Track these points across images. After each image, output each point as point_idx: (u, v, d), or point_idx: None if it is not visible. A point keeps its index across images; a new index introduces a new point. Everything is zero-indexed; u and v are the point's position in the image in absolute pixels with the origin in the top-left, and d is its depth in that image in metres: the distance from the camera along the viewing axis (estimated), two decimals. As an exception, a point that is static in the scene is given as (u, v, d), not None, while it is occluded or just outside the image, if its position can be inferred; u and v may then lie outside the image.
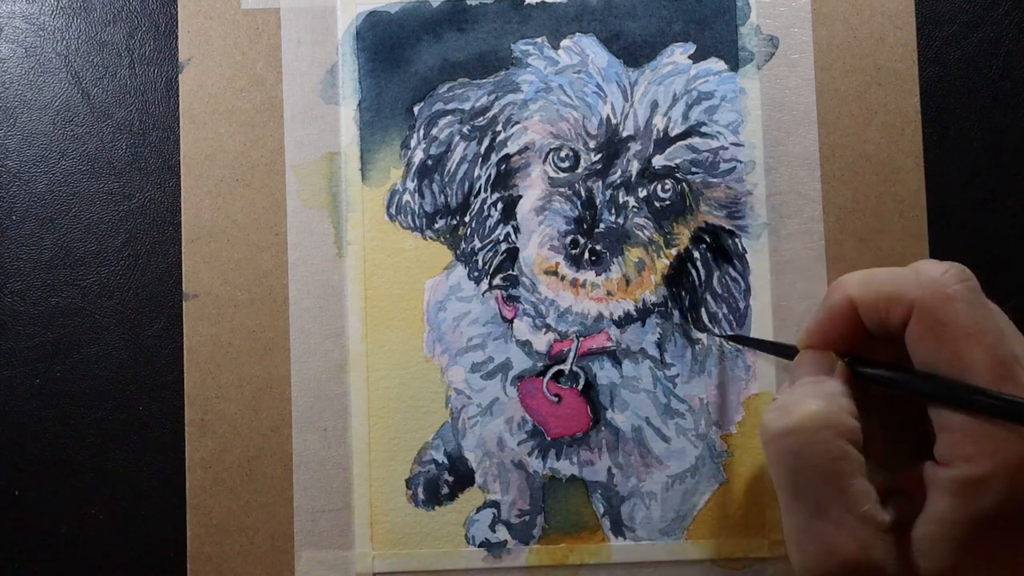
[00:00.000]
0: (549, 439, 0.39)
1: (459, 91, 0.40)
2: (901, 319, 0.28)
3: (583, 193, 0.39)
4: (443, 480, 0.39)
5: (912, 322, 0.28)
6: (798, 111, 0.40)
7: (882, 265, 0.39)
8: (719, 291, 0.39)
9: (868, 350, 0.31)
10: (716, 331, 0.39)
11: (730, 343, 0.39)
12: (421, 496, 0.39)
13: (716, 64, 0.40)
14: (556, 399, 0.39)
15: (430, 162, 0.40)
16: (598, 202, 0.39)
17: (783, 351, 0.35)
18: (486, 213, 0.40)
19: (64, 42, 0.41)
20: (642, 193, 0.39)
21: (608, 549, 0.39)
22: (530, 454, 0.39)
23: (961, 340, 0.27)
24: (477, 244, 0.40)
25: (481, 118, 0.40)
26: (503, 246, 0.40)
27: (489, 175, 0.40)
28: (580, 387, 0.39)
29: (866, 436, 0.29)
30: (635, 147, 0.39)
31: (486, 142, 0.40)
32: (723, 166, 0.39)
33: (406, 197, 0.40)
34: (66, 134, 0.41)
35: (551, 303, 0.39)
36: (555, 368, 0.39)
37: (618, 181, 0.39)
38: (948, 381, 0.28)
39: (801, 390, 0.30)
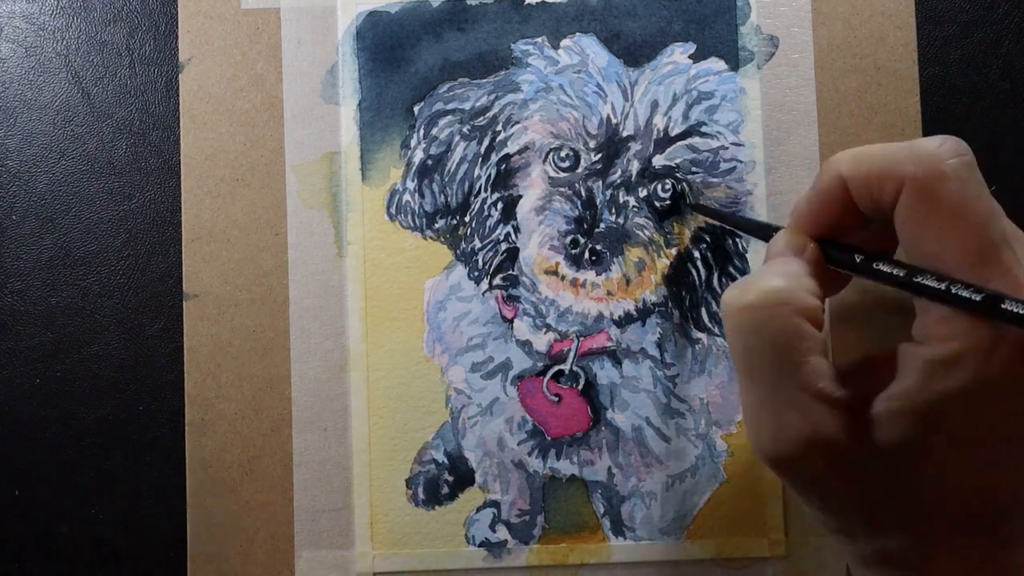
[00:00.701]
0: (549, 439, 0.39)
1: (459, 91, 0.40)
2: (892, 196, 0.27)
3: (583, 193, 0.39)
4: (443, 480, 0.39)
5: (901, 198, 0.27)
6: (798, 111, 0.40)
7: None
8: (719, 291, 0.39)
9: (856, 239, 0.30)
10: (707, 208, 0.38)
11: (701, 215, 0.38)
12: (421, 496, 0.39)
13: (716, 64, 0.40)
14: (556, 399, 0.39)
15: (430, 162, 0.40)
16: (598, 202, 0.39)
17: (761, 231, 0.34)
18: (486, 213, 0.40)
19: (64, 42, 0.41)
20: (642, 193, 0.39)
21: (608, 549, 0.39)
22: (530, 454, 0.39)
23: (947, 219, 0.26)
24: (477, 244, 0.40)
25: (481, 118, 0.40)
26: (503, 246, 0.40)
27: (489, 175, 0.40)
28: (580, 387, 0.39)
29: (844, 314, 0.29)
30: (635, 147, 0.39)
31: (486, 142, 0.40)
32: (723, 166, 0.39)
33: (406, 197, 0.40)
34: (66, 134, 0.41)
35: (551, 303, 0.39)
36: (555, 368, 0.39)
37: (618, 181, 0.39)
38: (920, 271, 0.27)
39: (764, 271, 0.30)
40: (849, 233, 0.30)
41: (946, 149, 0.27)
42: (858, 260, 0.29)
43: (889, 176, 0.27)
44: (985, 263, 0.26)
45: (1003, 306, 0.25)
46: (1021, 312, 0.25)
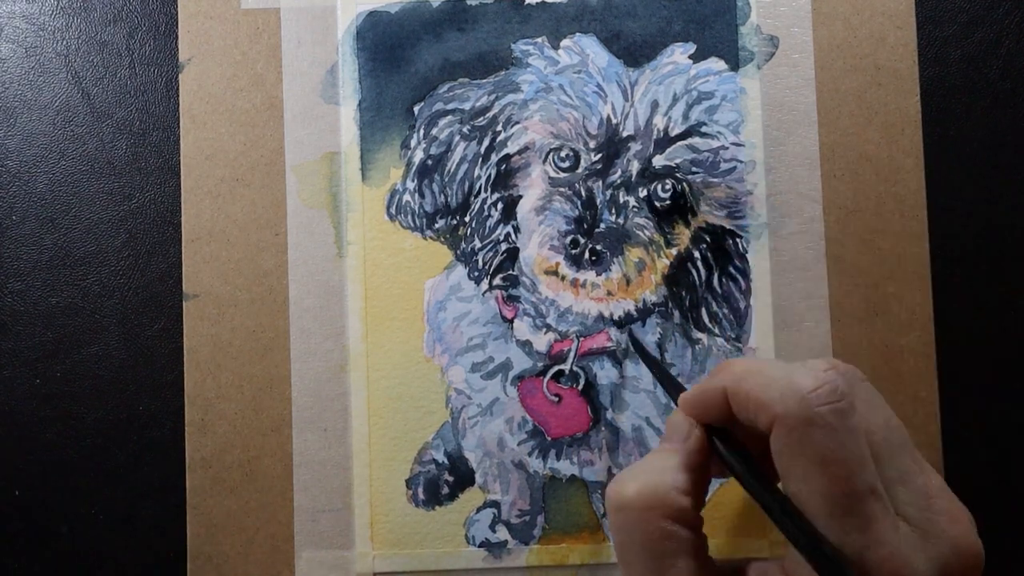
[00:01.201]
0: (549, 439, 0.39)
1: (459, 91, 0.40)
2: (766, 427, 0.28)
3: (583, 193, 0.39)
4: (443, 480, 0.39)
5: (773, 435, 0.27)
6: (798, 111, 0.40)
7: (883, 266, 0.39)
8: (719, 291, 0.39)
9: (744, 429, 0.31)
10: (628, 336, 0.39)
11: (634, 349, 0.39)
12: (421, 496, 0.39)
13: (716, 64, 0.40)
14: (556, 399, 0.39)
15: (430, 162, 0.40)
16: (598, 202, 0.39)
17: (672, 389, 0.35)
18: (486, 213, 0.40)
19: (64, 42, 0.41)
20: (642, 193, 0.39)
21: (608, 549, 0.39)
22: (530, 454, 0.39)
23: (810, 465, 0.26)
24: (477, 244, 0.40)
25: (481, 118, 0.40)
26: (503, 246, 0.40)
27: (489, 175, 0.40)
28: (580, 387, 0.39)
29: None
30: (635, 147, 0.39)
31: (486, 142, 0.40)
32: (723, 166, 0.39)
33: (406, 197, 0.40)
34: (66, 134, 0.41)
35: (551, 303, 0.39)
36: (555, 368, 0.39)
37: (618, 181, 0.39)
38: (781, 502, 0.27)
39: (647, 461, 0.30)
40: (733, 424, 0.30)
41: (818, 395, 0.27)
42: (737, 464, 0.29)
43: (763, 408, 0.27)
44: (847, 513, 0.26)
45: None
46: None
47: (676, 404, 0.32)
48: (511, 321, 0.40)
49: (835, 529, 0.26)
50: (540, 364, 0.39)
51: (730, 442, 0.30)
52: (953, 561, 0.27)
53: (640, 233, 0.39)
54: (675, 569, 0.28)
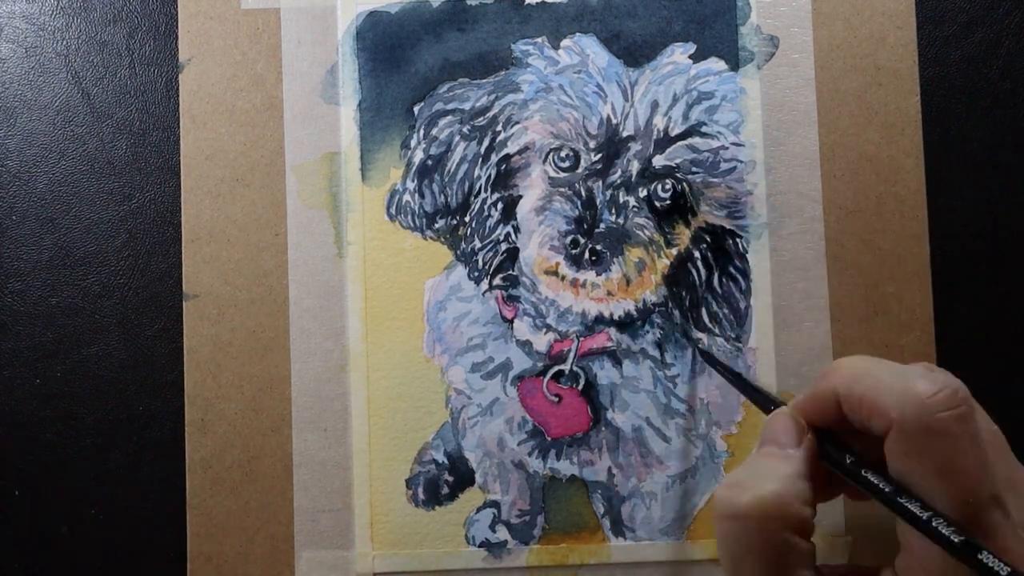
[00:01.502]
0: (549, 439, 0.39)
1: (459, 91, 0.40)
2: (881, 430, 0.27)
3: (583, 193, 0.39)
4: (443, 480, 0.39)
5: (889, 439, 0.26)
6: (798, 111, 0.40)
7: (883, 266, 0.39)
8: (719, 291, 0.39)
9: (852, 433, 0.29)
10: (717, 361, 0.38)
11: (717, 370, 0.38)
12: (421, 496, 0.39)
13: (716, 64, 0.40)
14: (556, 399, 0.39)
15: (430, 162, 0.40)
16: (598, 202, 0.39)
17: (763, 401, 0.34)
18: (486, 213, 0.40)
19: (64, 42, 0.41)
20: (642, 193, 0.39)
21: (608, 549, 0.39)
22: (530, 454, 0.39)
23: (933, 474, 0.26)
24: (477, 244, 0.40)
25: (481, 118, 0.40)
26: (503, 246, 0.40)
27: (489, 175, 0.40)
28: (580, 387, 0.39)
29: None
30: (635, 147, 0.39)
31: (486, 142, 0.40)
32: (723, 166, 0.39)
33: (406, 197, 0.40)
34: (66, 134, 0.41)
35: (551, 303, 0.39)
36: (555, 368, 0.39)
37: (618, 181, 0.39)
38: (909, 497, 0.26)
39: (759, 466, 0.29)
40: (850, 432, 0.29)
41: (938, 400, 0.26)
42: (849, 462, 0.28)
43: (879, 413, 0.26)
44: (970, 522, 0.25)
45: (980, 556, 0.24)
46: (997, 569, 0.24)
47: (766, 414, 0.31)
48: (511, 321, 0.40)
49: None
50: (540, 364, 0.39)
51: (840, 445, 0.29)
52: None
53: (640, 233, 0.39)
54: None
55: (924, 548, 0.26)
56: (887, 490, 0.27)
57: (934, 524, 0.25)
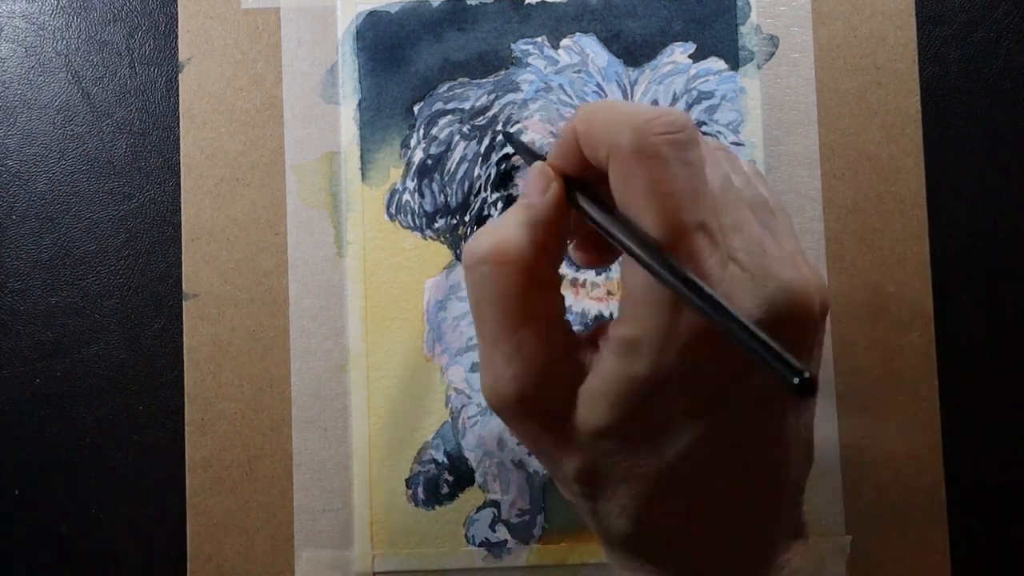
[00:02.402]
0: (549, 439, 0.39)
1: (459, 91, 0.40)
2: (605, 161, 0.27)
3: (583, 193, 0.39)
4: (443, 480, 0.39)
5: (609, 167, 0.26)
6: (798, 111, 0.40)
7: (883, 266, 0.39)
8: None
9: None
10: (518, 142, 0.38)
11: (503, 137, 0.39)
12: (421, 496, 0.39)
13: (716, 64, 0.40)
14: (556, 399, 0.39)
15: (430, 162, 0.40)
16: (598, 202, 0.39)
17: (533, 157, 0.34)
18: (486, 213, 0.40)
19: (64, 42, 0.41)
20: (642, 193, 0.39)
21: (608, 549, 0.39)
22: (530, 454, 0.39)
23: (639, 196, 0.25)
24: (477, 244, 0.40)
25: (481, 118, 0.40)
26: (503, 246, 0.40)
27: (489, 175, 0.40)
28: (580, 387, 0.39)
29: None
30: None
31: (486, 142, 0.40)
32: (723, 166, 0.39)
33: (406, 197, 0.40)
34: (66, 134, 0.41)
35: (551, 303, 0.39)
36: (555, 368, 0.39)
37: (618, 181, 0.39)
38: (626, 228, 0.26)
39: (504, 217, 0.29)
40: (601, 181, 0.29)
41: (656, 124, 0.26)
42: (593, 212, 0.27)
43: (602, 142, 0.26)
44: (672, 247, 0.25)
45: (694, 285, 0.24)
46: (704, 292, 0.24)
47: None
48: (511, 321, 0.40)
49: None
50: (540, 364, 0.39)
51: (590, 194, 0.28)
52: (783, 301, 0.26)
53: (640, 233, 0.39)
54: (527, 328, 0.27)
55: (634, 285, 0.26)
56: (615, 231, 0.26)
57: (639, 249, 0.25)
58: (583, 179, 0.29)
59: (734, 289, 0.25)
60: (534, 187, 0.29)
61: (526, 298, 0.27)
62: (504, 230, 0.28)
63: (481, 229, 0.29)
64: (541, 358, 0.27)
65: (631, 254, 0.26)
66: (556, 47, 0.40)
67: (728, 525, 0.28)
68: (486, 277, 0.28)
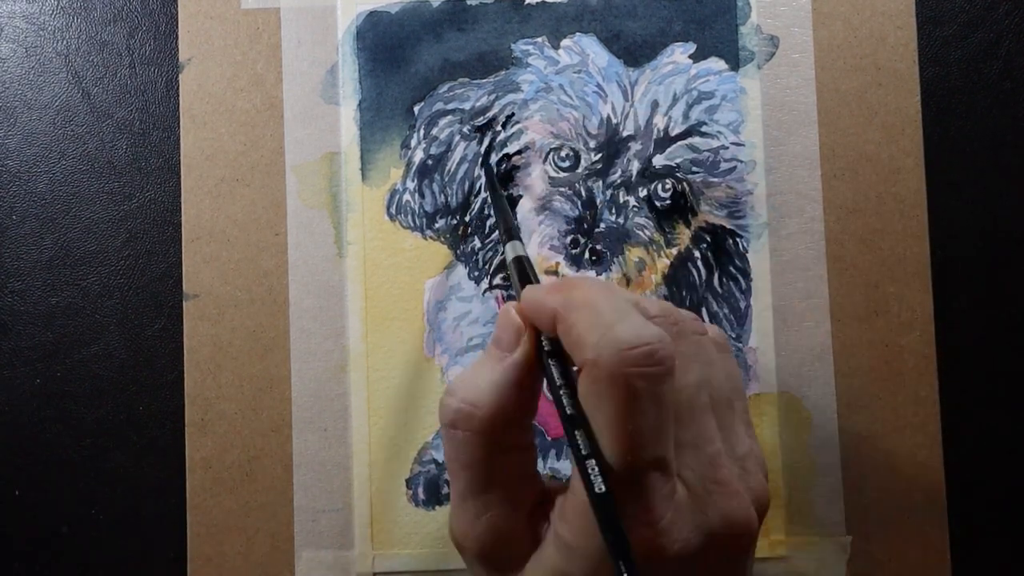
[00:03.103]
0: (549, 439, 0.39)
1: (459, 91, 0.40)
2: (579, 364, 0.26)
3: (583, 193, 0.39)
4: (443, 480, 0.39)
5: (582, 375, 0.26)
6: (798, 111, 0.40)
7: (883, 267, 0.39)
8: (720, 291, 0.39)
9: None
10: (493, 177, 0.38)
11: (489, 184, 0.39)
12: (421, 496, 0.39)
13: (716, 64, 0.40)
14: (556, 399, 0.39)
15: (430, 162, 0.40)
16: (598, 202, 0.39)
17: (505, 226, 0.34)
18: (486, 213, 0.40)
19: (64, 42, 0.41)
20: (642, 193, 0.39)
21: (608, 549, 0.39)
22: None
23: (604, 422, 0.25)
24: (477, 244, 0.40)
25: (481, 118, 0.40)
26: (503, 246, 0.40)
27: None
28: (580, 387, 0.39)
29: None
30: (635, 147, 0.39)
31: (486, 142, 0.40)
32: (724, 166, 0.39)
33: (406, 197, 0.40)
34: (66, 134, 0.41)
35: (551, 303, 0.39)
36: (555, 368, 0.39)
37: (618, 181, 0.39)
38: (583, 431, 0.26)
39: (476, 371, 0.28)
40: None
41: (634, 355, 0.25)
42: (556, 383, 0.27)
43: (580, 347, 0.26)
44: (624, 478, 0.25)
45: (613, 511, 0.25)
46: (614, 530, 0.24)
47: (502, 243, 0.31)
48: (511, 321, 0.40)
49: (616, 490, 0.25)
50: (540, 364, 0.39)
51: (561, 356, 0.28)
52: (721, 532, 0.26)
53: (640, 233, 0.39)
54: (496, 490, 0.28)
55: (578, 485, 0.26)
56: (569, 413, 0.26)
57: (587, 465, 0.25)
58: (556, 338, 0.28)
59: (676, 521, 0.26)
60: (507, 336, 0.29)
61: (494, 464, 0.28)
62: (476, 394, 0.28)
63: (454, 382, 0.29)
64: (504, 525, 0.28)
65: (575, 462, 0.26)
66: (556, 47, 0.40)
67: None
68: (457, 440, 0.28)
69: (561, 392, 0.27)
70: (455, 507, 0.29)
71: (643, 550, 0.25)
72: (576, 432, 0.26)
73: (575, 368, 0.27)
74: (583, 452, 0.25)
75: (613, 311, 0.26)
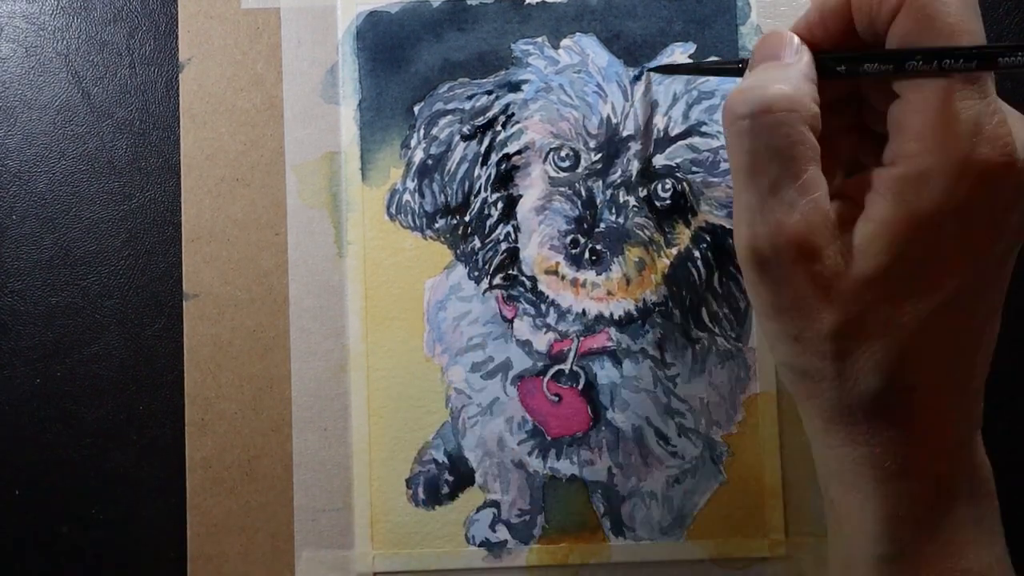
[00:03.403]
0: (549, 439, 0.39)
1: (459, 91, 0.40)
2: (890, 13, 0.28)
3: (583, 192, 0.39)
4: (443, 480, 0.39)
5: (900, 15, 0.28)
6: (798, 111, 0.40)
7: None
8: (720, 291, 0.39)
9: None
10: (673, 67, 0.39)
11: (660, 72, 0.39)
12: (421, 496, 0.39)
13: (716, 64, 0.40)
14: (556, 399, 0.39)
15: (430, 162, 0.40)
16: (598, 201, 0.39)
17: (729, 69, 0.35)
18: (486, 213, 0.40)
19: (64, 42, 0.41)
20: (642, 193, 0.39)
21: (608, 549, 0.39)
22: (530, 454, 0.39)
23: (944, 37, 0.27)
24: (477, 244, 0.40)
25: (481, 118, 0.40)
26: (503, 246, 0.40)
27: (489, 175, 0.40)
28: (580, 387, 0.39)
29: (826, 134, 0.29)
30: (635, 146, 0.39)
31: (486, 142, 0.40)
32: (724, 165, 0.39)
33: (406, 197, 0.40)
34: (66, 134, 0.41)
35: (551, 303, 0.39)
36: (555, 368, 0.39)
37: (618, 180, 0.39)
38: (908, 55, 0.27)
39: (766, 73, 0.30)
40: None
41: None
42: (845, 66, 0.29)
43: None
44: (973, 80, 0.27)
45: (1000, 60, 0.26)
46: (1018, 62, 0.26)
47: (740, 76, 0.32)
48: (511, 321, 0.40)
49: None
50: (540, 364, 0.39)
51: (832, 57, 0.30)
52: None
53: (640, 233, 0.39)
54: (807, 175, 0.28)
55: (917, 121, 0.27)
56: (890, 68, 0.28)
57: (944, 65, 0.27)
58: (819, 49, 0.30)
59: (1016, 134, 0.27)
60: (782, 48, 0.30)
61: (807, 147, 0.28)
62: (775, 84, 0.29)
63: (740, 87, 0.30)
64: (823, 201, 0.28)
65: (920, 74, 0.27)
66: (556, 47, 0.40)
67: (965, 389, 0.29)
68: (773, 125, 0.28)
69: (868, 55, 0.29)
70: (763, 209, 0.29)
71: (999, 165, 0.26)
72: (909, 63, 0.27)
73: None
74: (931, 64, 0.27)
75: None
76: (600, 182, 0.39)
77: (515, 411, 0.39)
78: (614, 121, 0.39)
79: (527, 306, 0.39)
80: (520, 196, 0.40)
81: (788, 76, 0.29)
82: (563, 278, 0.39)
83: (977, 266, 0.28)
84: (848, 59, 0.30)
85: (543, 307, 0.39)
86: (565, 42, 0.40)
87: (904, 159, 0.27)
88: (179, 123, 0.40)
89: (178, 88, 0.40)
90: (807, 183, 0.28)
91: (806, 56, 0.30)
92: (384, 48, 0.40)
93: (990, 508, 0.30)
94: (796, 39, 0.30)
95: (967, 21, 0.27)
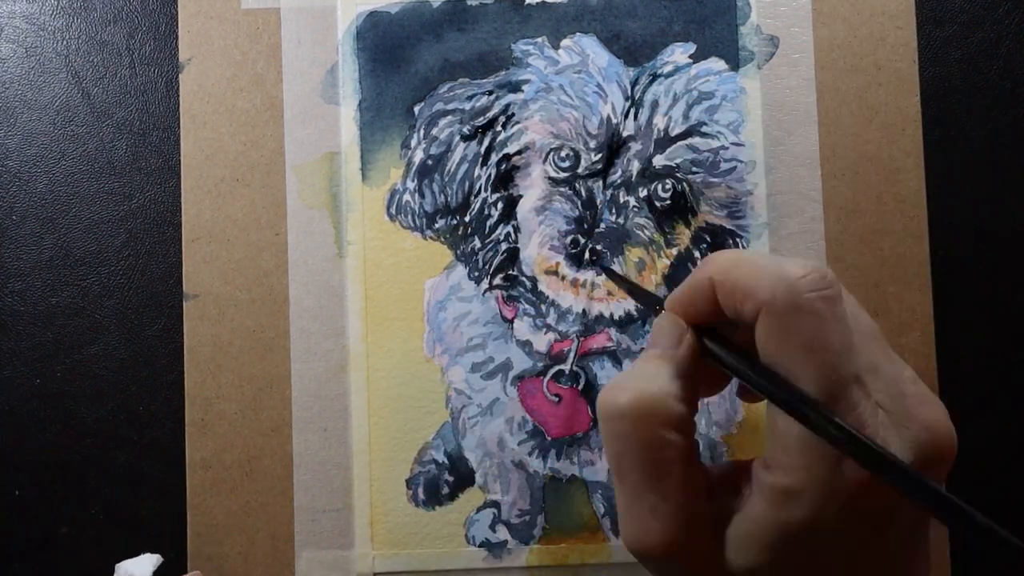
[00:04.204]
0: (549, 439, 0.39)
1: (459, 91, 0.40)
2: (752, 315, 0.27)
3: (583, 193, 0.39)
4: (443, 480, 0.39)
5: (759, 322, 0.27)
6: (798, 111, 0.40)
7: (883, 267, 0.39)
8: (719, 291, 0.39)
9: (731, 328, 0.30)
10: (615, 274, 0.38)
11: (605, 276, 0.39)
12: (421, 496, 0.39)
13: (716, 64, 0.40)
14: (556, 399, 0.39)
15: (430, 162, 0.40)
16: (598, 202, 0.39)
17: (649, 300, 0.35)
18: (486, 213, 0.40)
19: (64, 42, 0.41)
20: (642, 193, 0.39)
21: (608, 549, 0.39)
22: (530, 454, 0.39)
23: (797, 352, 0.26)
24: (477, 244, 0.40)
25: (481, 118, 0.40)
26: (503, 246, 0.40)
27: (489, 175, 0.40)
28: (580, 387, 0.39)
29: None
30: (635, 147, 0.39)
31: (486, 142, 0.40)
32: (723, 166, 0.39)
33: (406, 197, 0.40)
34: (66, 134, 0.41)
35: (551, 303, 0.39)
36: (555, 368, 0.39)
37: (618, 181, 0.39)
38: (784, 384, 0.27)
39: (639, 368, 0.29)
40: (727, 326, 0.30)
41: (807, 281, 0.26)
42: (732, 360, 0.28)
43: (751, 296, 0.27)
44: (832, 400, 0.26)
45: (836, 419, 0.25)
46: (852, 431, 0.25)
47: (655, 315, 0.32)
48: (511, 321, 0.40)
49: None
50: (540, 364, 0.39)
51: (720, 341, 0.29)
52: (927, 442, 0.27)
53: (640, 233, 0.39)
54: (670, 477, 0.28)
55: (790, 433, 0.27)
56: (771, 388, 0.27)
57: (814, 420, 0.26)
58: (710, 327, 0.29)
59: (886, 436, 0.26)
60: (665, 337, 0.30)
61: (665, 452, 0.28)
62: (642, 383, 0.28)
63: (615, 380, 0.29)
64: (687, 506, 0.28)
65: (787, 408, 0.26)
66: (556, 47, 0.40)
67: None
68: (629, 432, 0.28)
69: (741, 368, 0.28)
70: (629, 513, 0.28)
71: (864, 486, 0.26)
72: (773, 380, 0.27)
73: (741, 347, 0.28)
74: (786, 398, 0.26)
75: (767, 258, 0.28)
76: (600, 182, 0.39)
77: (515, 411, 0.39)
78: (614, 121, 0.39)
79: (527, 306, 0.39)
80: (520, 196, 0.40)
81: (658, 374, 0.29)
82: (563, 278, 0.39)
83: (863, 558, 0.27)
84: (727, 363, 0.29)
85: (543, 307, 0.39)
86: (565, 42, 0.40)
87: (776, 469, 0.27)
88: (179, 123, 0.40)
89: (178, 88, 0.40)
90: (668, 488, 0.28)
91: (683, 349, 0.29)
92: (384, 48, 0.40)
93: None
94: (681, 326, 0.30)
95: (821, 337, 0.26)
